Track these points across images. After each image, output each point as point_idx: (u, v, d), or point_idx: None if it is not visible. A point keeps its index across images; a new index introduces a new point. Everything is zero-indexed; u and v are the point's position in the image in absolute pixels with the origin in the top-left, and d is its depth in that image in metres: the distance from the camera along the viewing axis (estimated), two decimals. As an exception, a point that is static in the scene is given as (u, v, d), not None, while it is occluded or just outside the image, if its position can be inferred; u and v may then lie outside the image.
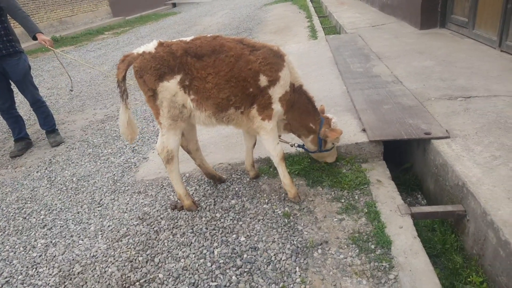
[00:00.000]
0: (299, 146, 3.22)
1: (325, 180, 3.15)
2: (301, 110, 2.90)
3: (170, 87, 2.56)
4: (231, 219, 2.83)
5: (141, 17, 20.23)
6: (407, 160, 3.75)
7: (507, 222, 2.10)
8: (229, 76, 2.56)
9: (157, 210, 3.10)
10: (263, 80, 2.61)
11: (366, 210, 2.71)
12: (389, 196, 2.84)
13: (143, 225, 2.94)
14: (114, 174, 3.90)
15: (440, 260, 2.53)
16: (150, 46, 2.60)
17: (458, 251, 2.53)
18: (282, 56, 2.69)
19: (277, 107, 2.70)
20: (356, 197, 2.90)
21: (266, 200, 3.00)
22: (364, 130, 3.52)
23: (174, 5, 26.10)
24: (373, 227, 2.53)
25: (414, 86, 4.36)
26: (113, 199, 3.43)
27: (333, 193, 3.00)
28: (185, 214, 2.98)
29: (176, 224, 2.88)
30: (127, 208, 3.22)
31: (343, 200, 2.88)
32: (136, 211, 3.16)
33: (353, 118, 3.86)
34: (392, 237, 2.40)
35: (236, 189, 3.21)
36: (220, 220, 2.84)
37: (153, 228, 2.88)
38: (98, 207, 3.35)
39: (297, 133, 3.06)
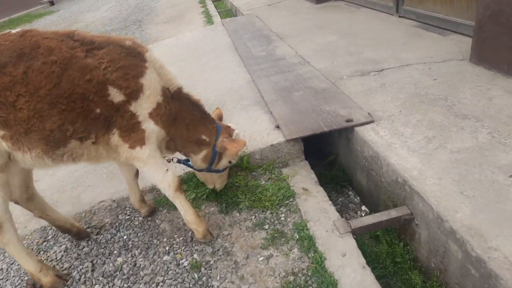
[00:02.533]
0: (179, 161, 2.38)
1: (242, 199, 2.46)
2: (187, 121, 2.11)
3: None
4: (118, 291, 1.99)
5: (11, 20, 17.24)
6: (331, 150, 3.26)
7: (472, 230, 1.64)
8: (56, 96, 1.66)
9: (8, 297, 2.12)
10: (115, 94, 1.76)
11: (297, 236, 2.09)
12: (321, 209, 2.26)
13: (-18, 329, 1.95)
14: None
15: (394, 280, 2.04)
16: None
17: (412, 263, 2.06)
18: (140, 53, 1.86)
19: (149, 126, 1.89)
20: (282, 218, 2.27)
21: (167, 248, 2.20)
22: (278, 126, 2.91)
23: (52, 3, 22.91)
24: (310, 261, 1.92)
25: (323, 65, 3.89)
26: None
27: (253, 217, 2.32)
28: (50, 295, 2.05)
29: (35, 316, 1.95)
30: (-38, 302, 2.17)
31: (267, 226, 2.23)
32: (-24, 303, 2.13)
33: (263, 113, 3.23)
34: (336, 273, 1.81)
35: (125, 237, 2.34)
36: (101, 296, 1.98)
37: (-2, 333, 1.91)
38: None
39: (184, 150, 2.25)
